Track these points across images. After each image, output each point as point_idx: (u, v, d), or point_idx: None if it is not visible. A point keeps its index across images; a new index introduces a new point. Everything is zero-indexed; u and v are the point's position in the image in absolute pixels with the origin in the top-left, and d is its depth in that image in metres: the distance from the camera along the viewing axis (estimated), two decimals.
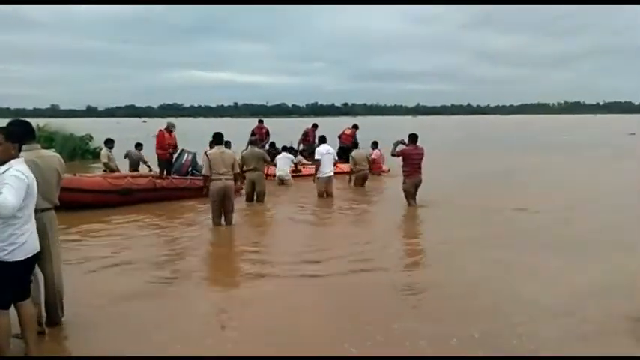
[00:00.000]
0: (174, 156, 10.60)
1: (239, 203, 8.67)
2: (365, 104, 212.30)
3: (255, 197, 9.40)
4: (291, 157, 12.72)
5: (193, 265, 5.74)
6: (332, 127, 18.80)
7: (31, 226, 3.23)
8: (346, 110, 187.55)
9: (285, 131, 20.78)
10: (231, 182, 7.43)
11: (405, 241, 7.17)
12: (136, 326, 3.98)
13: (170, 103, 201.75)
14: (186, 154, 10.77)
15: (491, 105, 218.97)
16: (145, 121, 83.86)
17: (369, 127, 31.19)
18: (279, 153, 12.72)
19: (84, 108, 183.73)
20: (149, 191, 9.42)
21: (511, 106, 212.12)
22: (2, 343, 3.20)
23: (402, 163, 8.94)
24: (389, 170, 13.34)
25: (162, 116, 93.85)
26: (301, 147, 14.69)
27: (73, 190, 7.92)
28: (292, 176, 12.31)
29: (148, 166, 11.92)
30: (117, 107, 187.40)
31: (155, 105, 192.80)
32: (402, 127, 41.19)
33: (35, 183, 3.22)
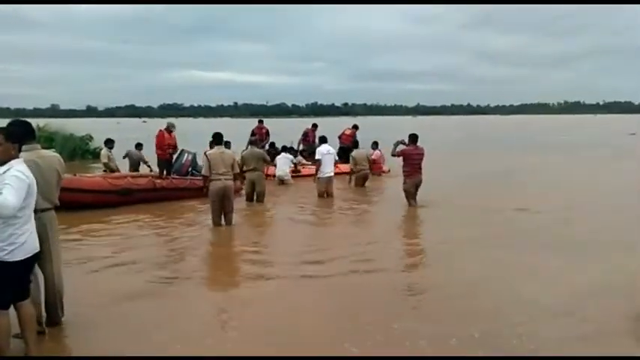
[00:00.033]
0: (174, 156, 10.60)
1: (239, 203, 8.67)
2: (365, 104, 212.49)
3: (255, 197, 9.41)
4: (291, 157, 12.74)
5: (193, 265, 5.74)
6: (332, 127, 18.81)
7: (31, 226, 3.23)
8: (346, 110, 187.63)
9: (285, 131, 20.76)
10: (231, 182, 7.44)
11: (405, 241, 7.17)
12: (136, 326, 3.99)
13: (170, 103, 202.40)
14: (186, 154, 10.77)
15: (491, 105, 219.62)
16: (145, 121, 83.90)
17: (369, 127, 31.18)
18: (279, 153, 12.74)
19: (84, 108, 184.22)
20: (149, 191, 9.42)
21: (511, 106, 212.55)
22: (2, 343, 3.20)
23: (402, 163, 8.95)
24: (389, 170, 13.34)
25: (163, 116, 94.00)
26: (301, 147, 14.71)
27: (73, 190, 7.92)
28: (292, 176, 12.32)
29: (149, 166, 11.91)
30: (117, 107, 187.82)
31: (155, 105, 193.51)
32: (402, 127, 41.20)
33: (35, 183, 3.22)
